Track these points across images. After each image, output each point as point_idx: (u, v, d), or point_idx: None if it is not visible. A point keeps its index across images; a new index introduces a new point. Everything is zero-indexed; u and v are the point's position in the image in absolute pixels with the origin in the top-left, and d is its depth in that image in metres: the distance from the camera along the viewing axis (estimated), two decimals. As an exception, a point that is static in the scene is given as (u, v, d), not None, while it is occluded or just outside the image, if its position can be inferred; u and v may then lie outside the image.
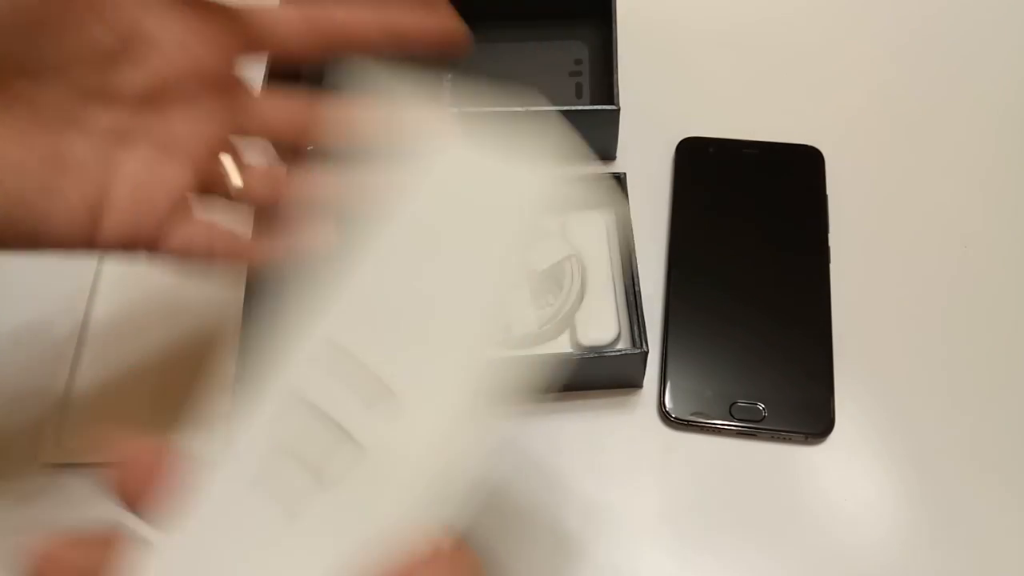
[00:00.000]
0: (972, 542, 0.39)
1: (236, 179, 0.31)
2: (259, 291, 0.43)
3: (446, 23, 0.33)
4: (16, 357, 0.45)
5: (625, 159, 0.49)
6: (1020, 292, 0.45)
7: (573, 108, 0.46)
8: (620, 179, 0.44)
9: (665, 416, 0.42)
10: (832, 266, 0.45)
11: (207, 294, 0.46)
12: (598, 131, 0.47)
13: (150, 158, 0.29)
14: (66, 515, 0.41)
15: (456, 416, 0.22)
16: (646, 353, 0.40)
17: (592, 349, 0.42)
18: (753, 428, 0.41)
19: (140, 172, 0.29)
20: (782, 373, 0.42)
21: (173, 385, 0.44)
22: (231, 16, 0.30)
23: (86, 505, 0.41)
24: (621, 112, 0.45)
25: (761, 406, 0.41)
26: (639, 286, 0.41)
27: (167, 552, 0.21)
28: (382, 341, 0.23)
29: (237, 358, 0.41)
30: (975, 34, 0.53)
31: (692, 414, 0.41)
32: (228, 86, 0.31)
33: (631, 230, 0.42)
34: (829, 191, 0.47)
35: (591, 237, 0.45)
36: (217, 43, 0.30)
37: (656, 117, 0.50)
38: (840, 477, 0.41)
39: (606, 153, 0.49)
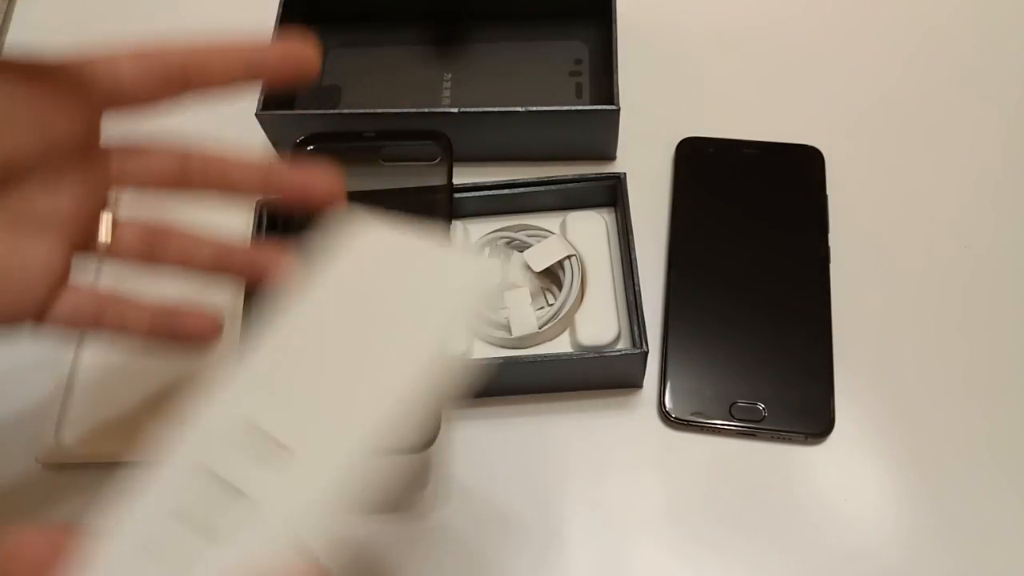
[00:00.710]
0: (972, 542, 0.39)
1: (104, 236, 0.31)
2: (261, 290, 0.43)
3: (295, 47, 0.31)
4: (15, 358, 0.45)
5: (625, 159, 0.49)
6: (1020, 292, 0.45)
7: (573, 108, 0.46)
8: (620, 179, 0.44)
9: (665, 416, 0.42)
10: (832, 266, 0.45)
11: (208, 297, 0.46)
12: (598, 131, 0.47)
13: (11, 238, 0.28)
14: (65, 515, 0.41)
15: (346, 464, 0.23)
16: (646, 353, 0.40)
17: (592, 349, 0.42)
18: (753, 428, 0.41)
19: (4, 254, 0.28)
20: (782, 373, 0.42)
21: (173, 385, 0.44)
22: (76, 77, 0.28)
23: (85, 505, 0.41)
24: (621, 112, 0.45)
25: (761, 406, 0.41)
26: (639, 286, 0.41)
27: None
28: (281, 405, 0.24)
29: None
30: (975, 35, 0.53)
31: (692, 414, 0.41)
32: (91, 151, 0.30)
33: (631, 230, 0.42)
34: (829, 191, 0.47)
35: (591, 237, 0.45)
36: (68, 113, 0.29)
37: (656, 117, 0.50)
38: (840, 477, 0.41)
39: (606, 153, 0.49)
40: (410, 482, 0.41)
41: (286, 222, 0.43)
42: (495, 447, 0.42)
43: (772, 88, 0.52)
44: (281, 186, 0.32)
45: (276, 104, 0.47)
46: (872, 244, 0.46)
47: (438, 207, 0.42)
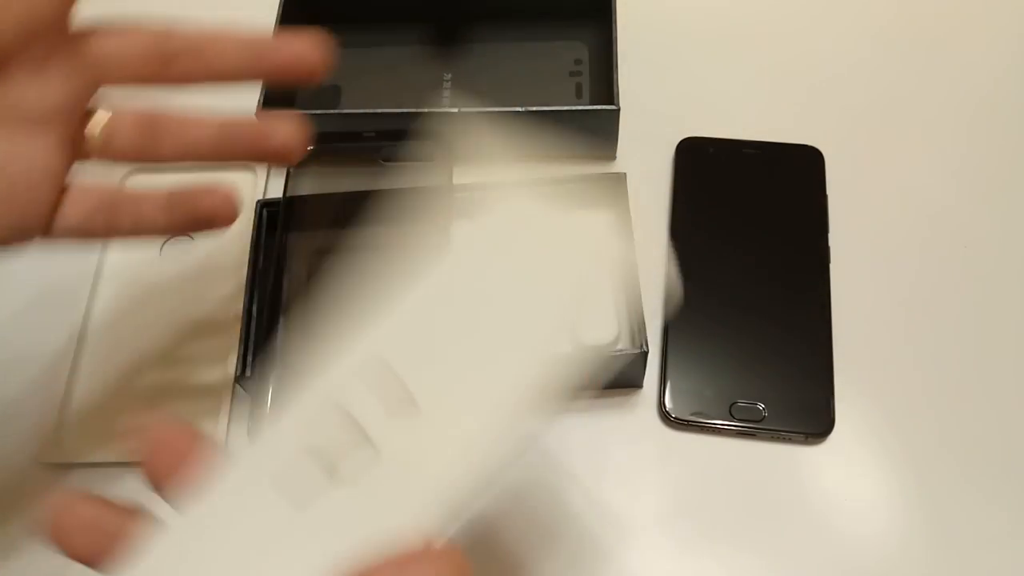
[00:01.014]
0: (972, 542, 0.39)
1: (96, 129, 0.29)
2: (260, 292, 0.43)
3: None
4: (16, 357, 0.45)
5: (625, 159, 0.49)
6: (1020, 292, 0.45)
7: (573, 108, 0.46)
8: (620, 179, 0.44)
9: (665, 416, 0.42)
10: (832, 266, 0.45)
11: (208, 293, 0.46)
12: (598, 131, 0.47)
13: (6, 141, 0.27)
14: (66, 515, 0.41)
15: (473, 437, 0.23)
16: (646, 353, 0.40)
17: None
18: (753, 428, 0.41)
19: (2, 161, 0.27)
20: (782, 373, 0.42)
21: (173, 385, 0.44)
22: None
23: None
24: (621, 112, 0.45)
25: (761, 406, 0.41)
26: (639, 286, 0.41)
27: (173, 532, 0.22)
28: (420, 360, 0.24)
29: (238, 357, 0.41)
30: (975, 35, 0.53)
31: (692, 414, 0.41)
32: (73, 38, 0.28)
33: (631, 230, 0.42)
34: (829, 191, 0.47)
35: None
36: None
37: (656, 117, 0.50)
38: (840, 477, 0.41)
39: (606, 153, 0.49)
40: None
41: (286, 223, 0.43)
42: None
43: (772, 88, 0.52)
44: (273, 62, 0.30)
45: (276, 103, 0.47)
46: (872, 244, 0.46)
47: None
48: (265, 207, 0.44)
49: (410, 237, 0.41)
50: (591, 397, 0.43)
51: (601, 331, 0.42)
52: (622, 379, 0.43)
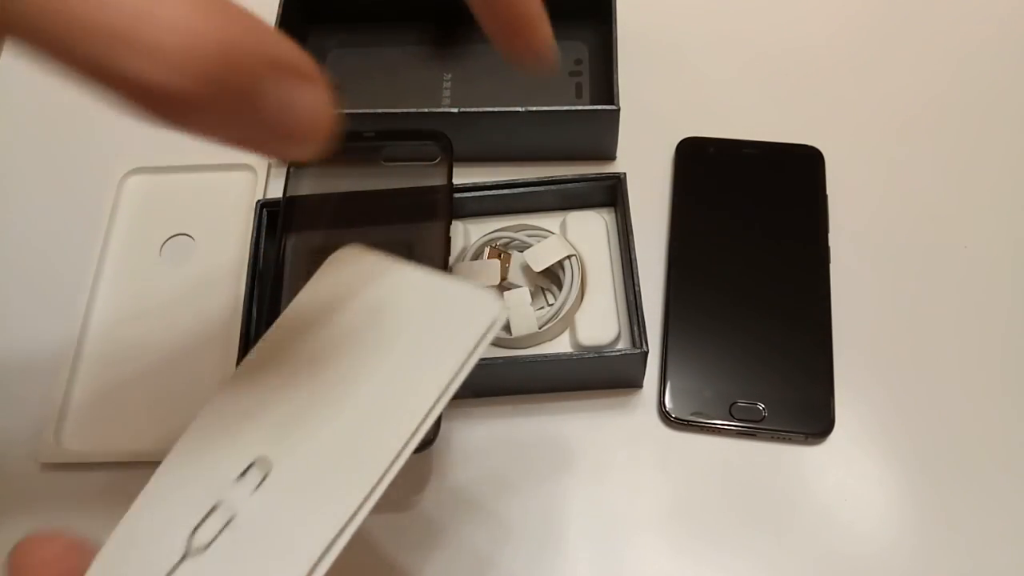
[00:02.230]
0: (972, 542, 0.39)
1: None
2: (260, 292, 0.43)
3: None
4: (16, 358, 0.45)
5: (625, 159, 0.49)
6: (1020, 292, 0.45)
7: (573, 108, 0.46)
8: (620, 179, 0.44)
9: (665, 416, 0.42)
10: (832, 266, 0.45)
11: (208, 293, 0.46)
12: (598, 131, 0.47)
13: None
14: (66, 515, 0.41)
15: (325, 491, 0.23)
16: (646, 353, 0.40)
17: (592, 349, 0.42)
18: (753, 428, 0.41)
19: None
20: (782, 373, 0.42)
21: (172, 385, 0.44)
22: None
23: (86, 505, 0.41)
24: (621, 112, 0.45)
25: (761, 406, 0.41)
26: (639, 286, 0.41)
27: None
28: (275, 429, 0.25)
29: (238, 357, 0.41)
30: (975, 35, 0.53)
31: (692, 414, 0.41)
32: None
33: (631, 230, 0.42)
34: (829, 191, 0.47)
35: (591, 237, 0.45)
36: None
37: (656, 117, 0.50)
38: (840, 477, 0.41)
39: (606, 153, 0.49)
40: (410, 482, 0.41)
41: (285, 223, 0.43)
42: (495, 447, 0.42)
43: (772, 88, 0.52)
44: None
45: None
46: (872, 244, 0.46)
47: (438, 207, 0.42)
48: (265, 207, 0.44)
49: (409, 236, 0.42)
50: (591, 397, 0.43)
51: (601, 331, 0.42)
52: (622, 379, 0.43)
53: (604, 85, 0.48)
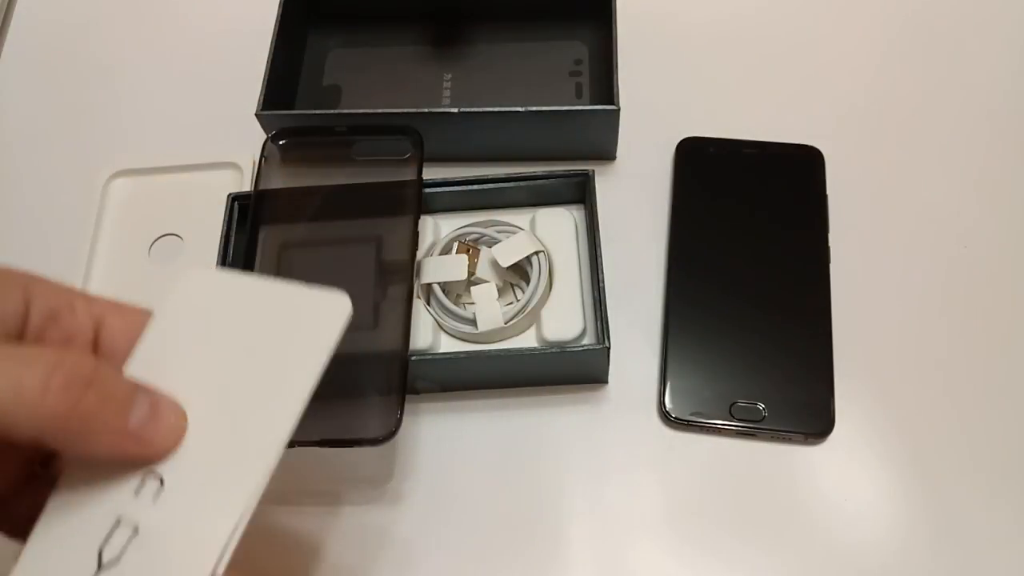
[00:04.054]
0: (971, 542, 0.39)
1: None
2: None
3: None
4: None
5: (625, 159, 0.49)
6: (1020, 292, 0.45)
7: (573, 108, 0.46)
8: (589, 176, 0.44)
9: (665, 416, 0.42)
10: (832, 266, 0.45)
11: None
12: (598, 131, 0.47)
13: None
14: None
15: (217, 494, 0.25)
16: (608, 348, 0.40)
17: (557, 344, 0.42)
18: (753, 428, 0.41)
19: None
20: (782, 373, 0.42)
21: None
22: None
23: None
24: (621, 112, 0.45)
25: (761, 406, 0.41)
26: (603, 282, 0.41)
27: None
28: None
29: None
30: (975, 35, 0.53)
31: (692, 414, 0.41)
32: None
33: (598, 227, 0.42)
34: (829, 191, 0.47)
35: (560, 233, 0.45)
36: None
37: (656, 117, 0.50)
38: (840, 477, 0.41)
39: (606, 153, 0.49)
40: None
41: (256, 216, 0.43)
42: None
43: (772, 88, 0.52)
44: None
45: (276, 104, 0.47)
46: (872, 244, 0.46)
47: (408, 202, 0.42)
48: (236, 200, 0.44)
49: (378, 231, 0.42)
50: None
51: (566, 326, 0.42)
52: (587, 374, 0.43)
53: (604, 85, 0.48)
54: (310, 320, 0.27)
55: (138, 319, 0.28)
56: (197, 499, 0.25)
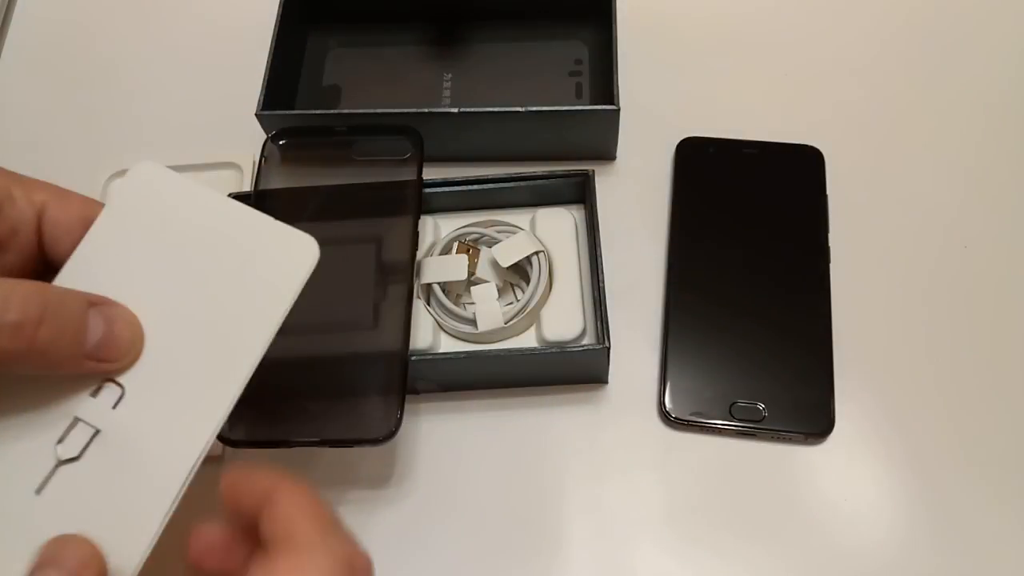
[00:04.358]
0: (971, 542, 0.39)
1: None
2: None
3: None
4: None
5: (625, 159, 0.49)
6: (1020, 292, 0.45)
7: (573, 108, 0.46)
8: (588, 176, 0.44)
9: (665, 416, 0.42)
10: (832, 266, 0.45)
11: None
12: (598, 131, 0.47)
13: None
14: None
15: (192, 410, 0.26)
16: (608, 348, 0.40)
17: (556, 344, 0.42)
18: (753, 428, 0.41)
19: None
20: (782, 373, 0.42)
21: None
22: None
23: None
24: (621, 112, 0.45)
25: (761, 406, 0.41)
26: (603, 282, 0.41)
27: None
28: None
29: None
30: (976, 35, 0.53)
31: (692, 414, 0.41)
32: None
33: (598, 227, 0.42)
34: (829, 191, 0.47)
35: (560, 233, 0.45)
36: None
37: (656, 117, 0.50)
38: (840, 477, 0.41)
39: (606, 153, 0.49)
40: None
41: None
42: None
43: (772, 88, 0.52)
44: None
45: (276, 104, 0.47)
46: (872, 244, 0.46)
47: (408, 202, 0.42)
48: (236, 199, 0.44)
49: (378, 231, 0.42)
50: (592, 397, 0.43)
51: (566, 326, 0.42)
52: (587, 374, 0.43)
53: (604, 85, 0.48)
54: (277, 256, 0.27)
55: (82, 209, 0.28)
56: (168, 407, 0.26)
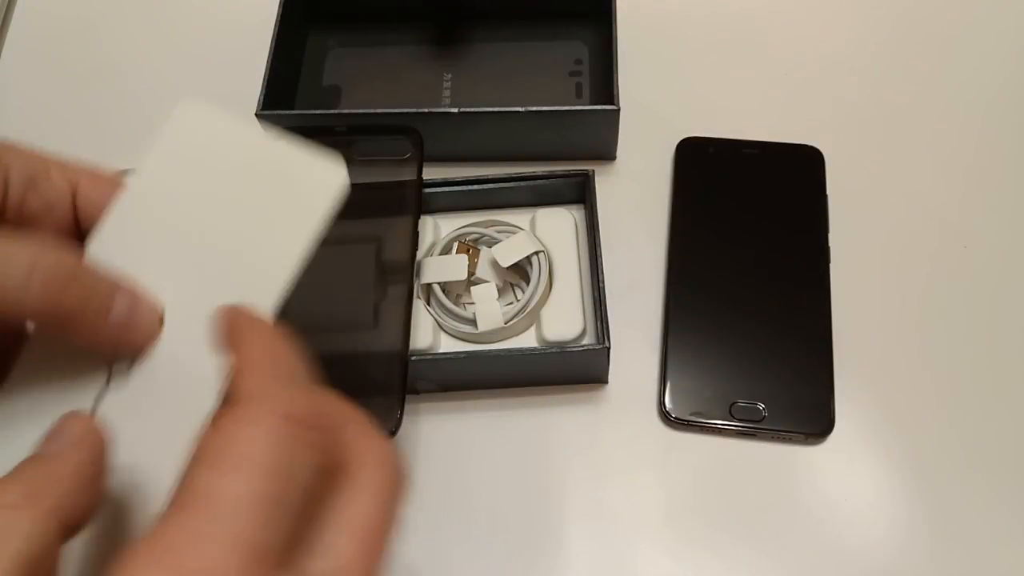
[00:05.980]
0: (971, 542, 0.39)
1: None
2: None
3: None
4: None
5: (625, 159, 0.49)
6: (1020, 292, 0.45)
7: (573, 108, 0.46)
8: (589, 176, 0.44)
9: (665, 416, 0.42)
10: (832, 266, 0.45)
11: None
12: (598, 131, 0.47)
13: None
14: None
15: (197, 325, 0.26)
16: (608, 348, 0.40)
17: (556, 344, 0.42)
18: (753, 428, 0.41)
19: None
20: (782, 373, 0.42)
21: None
22: None
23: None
24: (621, 112, 0.45)
25: (761, 406, 0.41)
26: (603, 282, 0.41)
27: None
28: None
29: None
30: (975, 35, 0.53)
31: (692, 414, 0.41)
32: None
33: (598, 227, 0.42)
34: (829, 191, 0.47)
35: (560, 233, 0.45)
36: None
37: (656, 117, 0.50)
38: (840, 477, 0.41)
39: (606, 153, 0.49)
40: None
41: None
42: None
43: (772, 88, 0.52)
44: None
45: (276, 104, 0.47)
46: (872, 244, 0.46)
47: (408, 202, 0.42)
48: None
49: (378, 231, 0.42)
50: (592, 397, 0.43)
51: (566, 326, 0.42)
52: (587, 374, 0.43)
53: (604, 85, 0.48)
54: (302, 189, 0.27)
55: (114, 186, 0.29)
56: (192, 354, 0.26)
